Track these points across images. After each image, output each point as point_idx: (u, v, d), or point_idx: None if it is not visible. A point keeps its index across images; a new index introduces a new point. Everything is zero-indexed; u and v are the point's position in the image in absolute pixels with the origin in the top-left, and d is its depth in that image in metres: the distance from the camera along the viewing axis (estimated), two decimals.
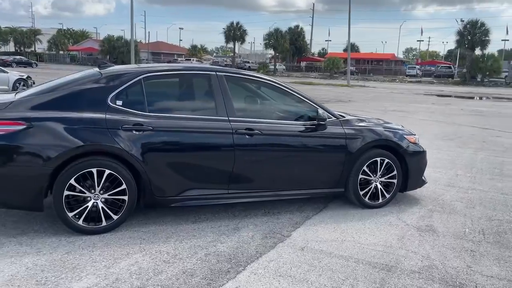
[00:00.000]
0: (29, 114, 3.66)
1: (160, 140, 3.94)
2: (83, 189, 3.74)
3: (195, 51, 77.68)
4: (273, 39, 56.61)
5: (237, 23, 58.45)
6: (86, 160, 3.72)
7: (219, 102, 4.22)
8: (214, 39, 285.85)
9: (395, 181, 4.88)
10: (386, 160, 4.80)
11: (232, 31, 58.29)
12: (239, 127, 4.18)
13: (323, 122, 4.48)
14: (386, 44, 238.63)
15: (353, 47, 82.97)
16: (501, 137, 10.75)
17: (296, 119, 4.61)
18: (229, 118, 4.19)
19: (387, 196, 4.88)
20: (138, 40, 62.66)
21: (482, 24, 46.10)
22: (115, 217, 3.88)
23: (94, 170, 3.73)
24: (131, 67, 4.45)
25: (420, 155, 5.06)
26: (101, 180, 3.77)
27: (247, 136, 4.19)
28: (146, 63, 65.85)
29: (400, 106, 18.80)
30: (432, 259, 3.61)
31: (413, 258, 3.62)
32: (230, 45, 64.50)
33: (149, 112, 3.98)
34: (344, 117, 4.80)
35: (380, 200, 4.86)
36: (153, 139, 3.90)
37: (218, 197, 4.24)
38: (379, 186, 4.83)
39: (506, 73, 47.01)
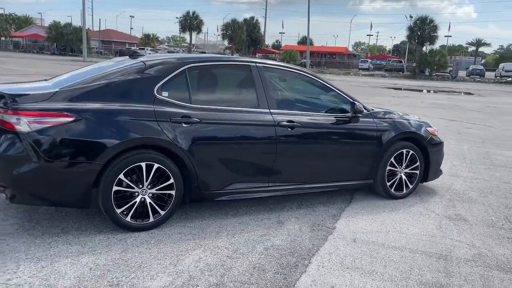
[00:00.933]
0: (77, 105, 3.43)
1: (207, 133, 3.83)
2: (131, 184, 3.58)
3: (148, 40, 75.59)
4: (230, 29, 56.25)
5: (193, 13, 57.59)
6: (135, 154, 3.55)
7: (260, 93, 4.16)
8: (165, 28, 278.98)
9: (417, 172, 5.04)
10: (411, 152, 4.94)
11: (188, 21, 57.32)
12: (281, 119, 4.14)
13: (359, 114, 4.54)
14: (338, 38, 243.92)
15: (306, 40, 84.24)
16: (473, 129, 11.34)
17: (327, 111, 4.63)
18: (270, 110, 4.15)
19: (410, 186, 5.04)
20: (87, 28, 59.82)
21: (431, 21, 48.24)
22: (162, 212, 3.74)
23: (143, 164, 3.57)
24: (171, 56, 4.28)
25: (439, 147, 5.25)
26: (149, 175, 3.62)
27: (288, 129, 4.17)
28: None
29: (365, 98, 19.26)
30: (478, 247, 3.77)
31: (461, 247, 3.76)
32: (184, 35, 63.45)
33: (194, 104, 3.85)
34: (373, 109, 4.88)
35: (404, 191, 5.00)
36: (200, 132, 3.79)
37: (259, 191, 4.19)
38: (404, 177, 4.97)
39: (451, 68, 49.58)
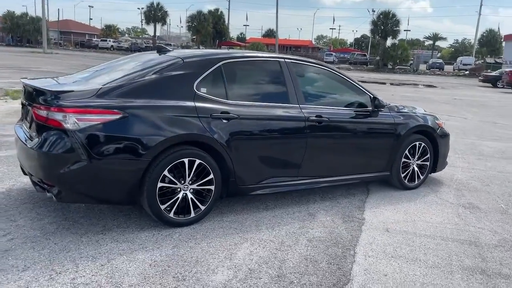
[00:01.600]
0: (124, 102, 3.40)
1: (244, 129, 3.88)
2: (174, 180, 3.59)
3: (110, 32, 73.49)
4: (196, 21, 55.60)
5: (158, 4, 56.50)
6: (179, 150, 3.56)
7: (290, 89, 4.24)
8: (126, 19, 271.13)
9: (428, 163, 5.28)
10: (423, 144, 5.17)
11: (153, 12, 56.18)
12: (310, 114, 4.24)
13: (382, 109, 4.71)
14: (301, 31, 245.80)
15: (272, 33, 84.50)
16: (450, 121, 11.80)
17: (348, 105, 4.76)
18: (300, 105, 4.24)
19: (421, 177, 5.27)
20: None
21: (393, 15, 49.55)
22: (202, 207, 3.77)
23: (186, 160, 3.59)
24: (205, 52, 4.26)
25: (447, 138, 5.51)
26: (191, 171, 3.64)
27: (316, 124, 4.27)
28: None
29: None
30: (500, 233, 4.03)
31: (485, 234, 4.00)
32: (147, 26, 62.13)
33: (230, 100, 3.89)
34: (389, 104, 5.05)
35: (416, 182, 5.23)
36: (238, 127, 3.83)
37: (289, 184, 4.28)
38: (416, 169, 5.20)
39: (412, 61, 51.25)
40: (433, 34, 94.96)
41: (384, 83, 28.51)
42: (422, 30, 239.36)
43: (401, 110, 5.08)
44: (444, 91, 23.86)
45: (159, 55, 4.22)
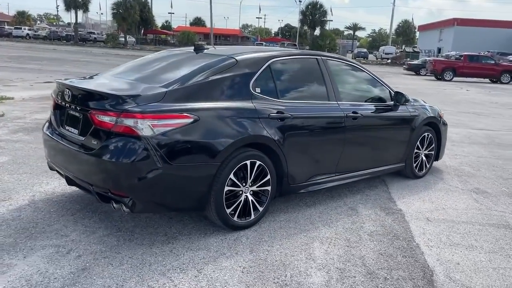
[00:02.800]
0: (193, 105, 3.25)
1: (296, 128, 3.87)
2: (238, 183, 3.50)
3: (23, 19, 67.87)
4: (122, 8, 53.12)
5: None
6: (243, 153, 3.48)
7: (328, 86, 4.29)
8: (38, 5, 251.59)
9: (433, 152, 5.62)
10: (430, 135, 5.48)
11: None
12: (347, 110, 4.33)
13: (406, 103, 4.92)
14: (228, 20, 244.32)
15: (200, 21, 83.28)
16: None
17: (372, 100, 4.88)
18: (337, 102, 4.31)
19: (428, 166, 5.60)
20: None
21: (321, 6, 51.19)
22: (260, 209, 3.73)
23: (248, 162, 3.52)
24: (249, 49, 4.14)
25: (446, 128, 5.88)
26: (252, 172, 3.57)
27: (353, 120, 4.37)
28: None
29: None
30: None
31: (509, 216, 4.37)
32: (65, 13, 58.26)
33: (281, 99, 3.85)
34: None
35: (424, 171, 5.55)
36: (292, 126, 3.81)
37: (328, 181, 4.33)
38: (424, 158, 5.51)
39: (338, 51, 53.42)
40: (353, 24, 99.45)
41: None
42: (341, 20, 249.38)
43: (413, 104, 5.33)
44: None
45: (197, 53, 4.06)
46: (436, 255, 3.42)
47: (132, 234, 3.45)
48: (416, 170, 5.42)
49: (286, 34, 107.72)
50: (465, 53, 29.70)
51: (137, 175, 3.06)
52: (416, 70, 33.56)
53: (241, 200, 3.55)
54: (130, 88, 3.45)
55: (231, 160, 3.39)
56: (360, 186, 5.01)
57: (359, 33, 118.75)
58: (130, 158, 3.03)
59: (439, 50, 59.70)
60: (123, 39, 54.18)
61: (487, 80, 28.25)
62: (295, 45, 59.53)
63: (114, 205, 3.18)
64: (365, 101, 4.80)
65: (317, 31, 52.50)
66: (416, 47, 65.80)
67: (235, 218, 3.54)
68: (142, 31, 71.62)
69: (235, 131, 3.41)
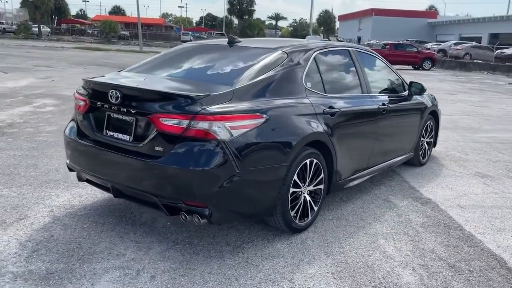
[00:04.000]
0: (261, 104, 3.02)
1: (343, 123, 3.74)
2: (300, 184, 3.32)
3: None
4: None
5: None
6: (304, 151, 3.29)
7: (361, 78, 4.21)
8: None
9: (432, 140, 5.79)
10: (431, 123, 5.64)
11: None
12: (378, 103, 4.29)
13: (424, 93, 4.99)
14: (149, 9, 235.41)
15: (119, 10, 79.48)
16: None
17: (390, 91, 4.84)
18: (369, 94, 4.25)
19: (429, 153, 5.77)
20: None
21: None
22: (315, 208, 3.57)
23: (308, 161, 3.34)
24: (291, 42, 3.89)
25: (440, 115, 6.08)
26: (310, 172, 3.41)
27: (382, 112, 4.34)
28: None
29: None
30: None
31: None
32: None
33: (328, 93, 3.71)
34: None
35: (426, 158, 5.70)
36: (340, 121, 3.68)
37: (363, 175, 4.27)
38: (426, 146, 5.66)
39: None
40: (275, 14, 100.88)
41: None
42: (262, 10, 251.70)
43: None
44: None
45: (230, 46, 3.77)
46: (494, 242, 3.49)
47: (192, 246, 3.14)
48: (421, 158, 5.55)
49: (208, 23, 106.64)
50: (391, 42, 31.38)
51: (216, 182, 2.76)
52: None
53: (301, 202, 3.37)
54: (192, 87, 3.10)
55: (296, 160, 3.20)
56: (377, 177, 5.02)
57: (280, 23, 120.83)
58: (208, 164, 2.72)
59: (359, 39, 62.59)
60: (37, 29, 50.05)
61: (409, 67, 30.01)
62: (223, 34, 59.11)
63: (185, 217, 2.85)
64: (387, 92, 4.77)
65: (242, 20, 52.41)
66: (337, 36, 68.31)
67: (297, 221, 3.35)
68: (56, 20, 67.06)
69: (300, 129, 3.22)
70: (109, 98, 3.02)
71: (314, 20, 69.14)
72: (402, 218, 3.88)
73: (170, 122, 2.78)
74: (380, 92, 4.55)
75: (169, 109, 2.80)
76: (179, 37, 61.00)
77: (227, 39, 3.86)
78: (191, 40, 57.15)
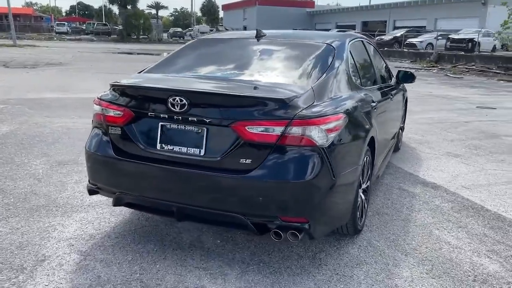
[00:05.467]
0: (338, 103, 2.78)
1: (378, 116, 3.62)
2: (362, 183, 3.17)
3: None
4: None
5: None
6: (366, 149, 3.13)
7: (375, 69, 4.18)
8: None
9: (403, 125, 6.04)
10: (405, 108, 5.86)
11: None
12: (388, 92, 4.29)
13: (414, 81, 5.10)
14: None
15: None
16: None
17: (385, 80, 4.84)
18: (380, 85, 4.23)
19: (401, 137, 6.00)
20: None
21: None
22: (366, 206, 3.45)
23: (365, 159, 3.20)
24: (327, 34, 3.62)
25: None
26: (366, 170, 3.28)
27: (390, 101, 4.35)
28: None
29: (134, 66, 18.52)
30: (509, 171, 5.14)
31: (506, 174, 5.01)
32: None
33: (363, 86, 3.58)
34: None
35: (401, 143, 5.93)
36: (377, 115, 3.57)
37: (383, 165, 4.26)
38: (400, 131, 5.87)
39: (154, 31, 52.04)
40: (155, 3, 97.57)
41: (151, 54, 28.16)
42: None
43: None
44: None
45: (258, 40, 3.43)
46: None
47: (266, 264, 2.80)
48: (399, 143, 5.76)
49: (81, 13, 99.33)
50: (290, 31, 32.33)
51: (317, 193, 2.47)
52: None
53: (360, 201, 3.22)
54: (267, 89, 2.71)
55: (364, 159, 3.04)
56: None
57: (161, 12, 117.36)
58: (309, 174, 2.42)
59: (245, 28, 63.68)
60: None
61: None
62: (105, 24, 55.51)
63: (279, 235, 2.51)
64: (385, 82, 4.79)
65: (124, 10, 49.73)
66: (222, 25, 68.60)
67: (359, 222, 3.21)
68: None
69: (366, 126, 3.08)
70: (170, 106, 2.53)
71: (197, 9, 68.52)
72: (431, 205, 3.94)
73: (259, 130, 2.41)
74: (383, 82, 4.56)
75: (257, 115, 2.42)
76: (52, 29, 55.92)
77: (255, 33, 3.49)
78: (68, 32, 52.96)
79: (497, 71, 19.82)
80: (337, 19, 57.89)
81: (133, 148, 2.70)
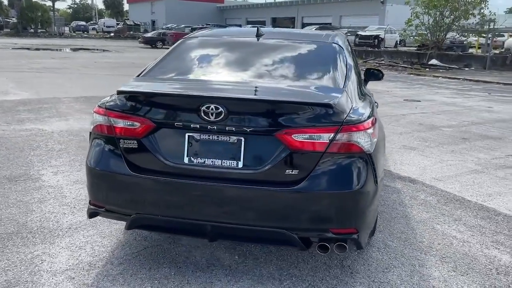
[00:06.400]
0: (367, 104, 2.73)
1: None
2: None
3: None
4: None
5: None
6: None
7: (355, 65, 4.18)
8: None
9: None
10: None
11: None
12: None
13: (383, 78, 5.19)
14: None
15: None
16: None
17: None
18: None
19: None
20: None
21: None
22: None
23: None
24: (318, 32, 3.44)
25: None
26: None
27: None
28: None
29: (40, 63, 16.99)
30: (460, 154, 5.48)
31: (470, 161, 5.34)
32: None
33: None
34: None
35: None
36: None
37: None
38: None
39: (54, 24, 48.38)
40: None
41: (57, 49, 26.10)
42: None
43: None
44: (124, 55, 23.88)
45: (258, 40, 3.23)
46: (503, 206, 3.95)
47: (302, 278, 2.63)
48: None
49: None
50: (200, 26, 31.87)
51: (366, 201, 2.36)
52: (152, 43, 33.87)
53: None
54: (299, 93, 2.53)
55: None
56: None
57: (58, 4, 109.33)
58: (360, 182, 2.31)
59: (153, 22, 61.75)
60: None
61: None
62: None
63: (325, 248, 2.36)
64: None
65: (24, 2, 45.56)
66: (128, 19, 65.81)
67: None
68: None
69: (382, 127, 3.04)
70: (203, 115, 2.24)
71: (99, 2, 65.00)
72: (418, 200, 4.04)
73: (307, 138, 2.23)
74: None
75: (304, 122, 2.25)
76: None
77: (256, 31, 3.27)
78: None
79: (404, 66, 21.37)
80: (247, 14, 58.46)
81: (153, 163, 2.35)
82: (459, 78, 16.22)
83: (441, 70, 19.25)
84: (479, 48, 26.11)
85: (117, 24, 53.54)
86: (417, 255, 2.99)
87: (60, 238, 3.01)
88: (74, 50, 26.38)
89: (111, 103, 2.47)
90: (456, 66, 20.35)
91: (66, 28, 52.77)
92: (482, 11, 21.61)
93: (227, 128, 2.26)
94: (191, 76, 2.84)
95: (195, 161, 2.32)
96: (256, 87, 2.62)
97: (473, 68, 20.15)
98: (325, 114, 2.26)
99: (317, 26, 34.61)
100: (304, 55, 3.06)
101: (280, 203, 2.28)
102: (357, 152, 2.31)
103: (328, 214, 2.29)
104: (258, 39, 3.20)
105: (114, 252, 2.87)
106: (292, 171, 2.25)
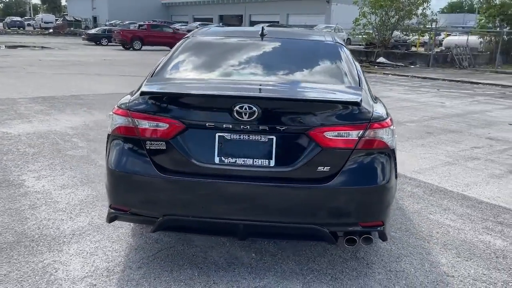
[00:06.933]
0: (381, 102, 2.89)
1: None
2: None
3: None
4: None
5: None
6: None
7: None
8: None
9: None
10: None
11: None
12: None
13: None
14: None
15: None
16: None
17: None
18: None
19: None
20: None
21: None
22: None
23: None
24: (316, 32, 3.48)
25: None
26: None
27: None
28: None
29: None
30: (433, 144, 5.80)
31: (442, 154, 5.63)
32: None
33: None
34: None
35: None
36: None
37: None
38: None
39: None
40: None
41: None
42: None
43: None
44: (69, 52, 22.84)
45: (262, 39, 3.24)
46: (482, 194, 4.23)
47: (324, 272, 2.69)
48: None
49: None
50: (147, 22, 31.08)
51: (391, 195, 2.47)
52: (96, 40, 32.62)
53: None
54: (330, 91, 2.58)
55: None
56: None
57: None
58: (386, 176, 2.42)
59: (95, 18, 59.53)
60: None
61: (167, 47, 30.45)
62: None
63: (352, 241, 2.44)
64: None
65: None
66: (67, 14, 62.95)
67: None
68: None
69: None
70: (235, 115, 2.24)
71: None
72: (406, 192, 4.24)
73: (338, 136, 2.30)
74: None
75: (335, 120, 2.31)
76: None
77: (260, 31, 3.27)
78: None
79: None
80: (194, 11, 57.76)
81: (183, 164, 2.32)
82: (408, 75, 17.01)
83: (389, 68, 20.10)
84: (420, 46, 27.53)
85: (56, 20, 50.98)
86: (421, 244, 3.15)
87: (67, 245, 2.88)
88: (12, 47, 24.87)
89: (134, 103, 2.40)
90: (402, 64, 21.35)
91: (0, 24, 49.65)
92: (424, 11, 22.77)
93: (260, 127, 2.28)
94: (213, 76, 2.81)
95: (226, 161, 2.31)
96: (286, 86, 2.66)
97: (418, 66, 21.23)
98: (354, 112, 2.34)
99: (267, 24, 34.89)
100: (317, 55, 3.11)
101: (312, 200, 2.33)
102: (383, 148, 2.40)
103: (358, 208, 2.37)
104: (262, 39, 3.22)
105: (129, 256, 2.79)
106: (323, 168, 2.31)
